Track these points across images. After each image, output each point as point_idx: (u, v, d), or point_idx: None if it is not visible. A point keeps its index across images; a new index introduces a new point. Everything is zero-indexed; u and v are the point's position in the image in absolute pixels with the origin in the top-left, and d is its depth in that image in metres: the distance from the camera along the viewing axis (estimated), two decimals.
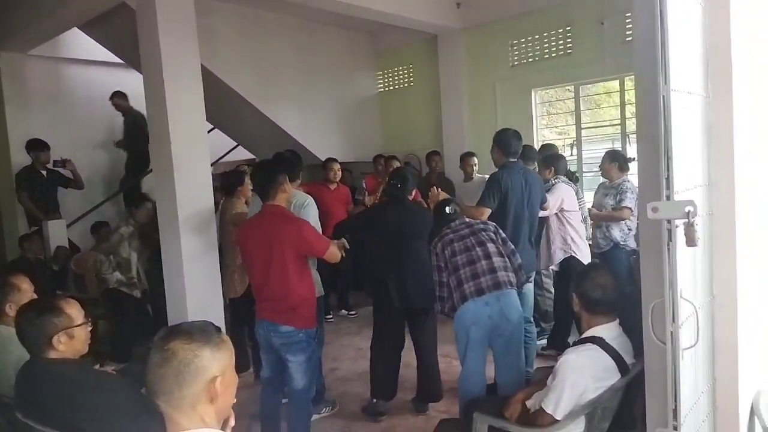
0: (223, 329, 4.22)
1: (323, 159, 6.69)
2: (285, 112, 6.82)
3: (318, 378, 3.69)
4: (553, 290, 4.92)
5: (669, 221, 1.67)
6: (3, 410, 2.22)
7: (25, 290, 2.72)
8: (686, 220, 1.61)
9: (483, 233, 3.30)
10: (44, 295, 2.65)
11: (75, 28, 5.97)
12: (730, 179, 2.00)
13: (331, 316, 6.07)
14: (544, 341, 4.78)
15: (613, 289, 2.26)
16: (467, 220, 3.46)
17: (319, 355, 3.54)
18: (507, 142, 3.91)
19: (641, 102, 1.73)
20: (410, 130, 7.73)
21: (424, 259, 3.52)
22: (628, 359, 2.17)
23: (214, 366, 1.32)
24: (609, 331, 2.18)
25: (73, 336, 2.14)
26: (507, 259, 3.27)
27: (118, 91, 6.83)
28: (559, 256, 4.48)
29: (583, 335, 2.23)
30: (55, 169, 6.15)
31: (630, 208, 4.43)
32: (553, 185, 4.54)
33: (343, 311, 6.28)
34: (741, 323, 2.05)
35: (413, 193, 3.89)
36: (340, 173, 6.09)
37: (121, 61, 6.56)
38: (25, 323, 2.11)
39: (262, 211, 3.19)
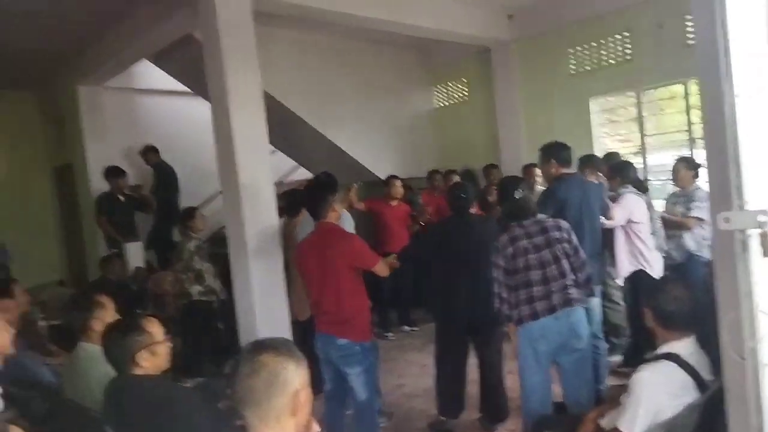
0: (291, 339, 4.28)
1: (380, 175, 6.81)
2: (342, 132, 7.00)
3: None
4: (622, 303, 4.75)
5: (742, 231, 1.62)
6: (92, 424, 2.37)
7: (109, 308, 2.90)
8: (760, 230, 1.56)
9: (559, 245, 3.09)
10: (126, 315, 2.81)
11: (146, 61, 6.37)
12: None
13: (392, 334, 6.09)
14: (617, 357, 4.59)
15: (689, 303, 2.16)
16: (539, 217, 3.19)
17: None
18: (558, 152, 3.84)
19: (707, 109, 1.68)
20: (466, 144, 7.72)
21: (486, 275, 3.43)
22: (707, 376, 2.08)
23: (297, 380, 1.39)
24: (685, 347, 2.10)
25: (155, 352, 2.26)
26: (578, 274, 3.13)
27: (149, 146, 6.90)
28: (627, 269, 4.31)
29: (658, 351, 2.15)
30: (132, 194, 6.53)
31: (699, 218, 4.24)
32: (620, 196, 4.33)
33: (405, 327, 6.29)
34: None
35: (474, 206, 3.89)
36: (402, 190, 6.14)
37: (188, 90, 6.91)
38: (111, 343, 2.25)
39: (316, 230, 3.37)
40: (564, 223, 3.20)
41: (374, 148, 7.35)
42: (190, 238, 5.10)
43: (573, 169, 4.06)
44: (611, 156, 5.25)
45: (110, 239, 6.40)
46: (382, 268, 3.33)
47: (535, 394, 3.11)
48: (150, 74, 7.07)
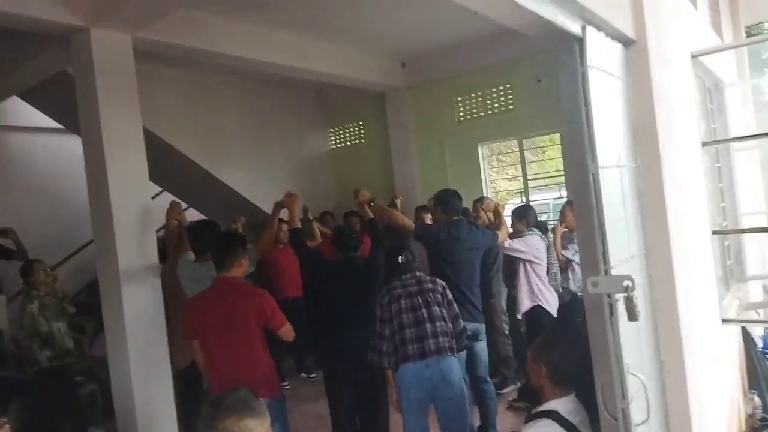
0: (173, 401, 3.96)
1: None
2: (234, 172, 6.77)
3: None
4: (509, 337, 5.00)
5: (609, 296, 1.69)
6: None
7: None
8: (626, 294, 1.63)
9: (431, 294, 3.31)
10: None
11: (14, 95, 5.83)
12: (666, 244, 2.05)
13: (287, 383, 5.86)
14: (510, 388, 4.90)
15: (579, 360, 2.20)
16: (418, 274, 3.43)
17: None
18: (448, 201, 4.03)
19: (572, 179, 1.77)
20: (362, 185, 7.64)
21: (372, 310, 3.48)
22: (585, 430, 2.13)
23: None
24: (565, 405, 2.13)
25: None
26: (450, 324, 3.30)
27: None
28: (526, 304, 4.54)
29: (540, 409, 2.18)
30: None
31: (568, 258, 4.61)
32: (526, 236, 4.61)
33: (302, 375, 6.08)
34: (690, 386, 2.06)
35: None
36: (288, 233, 5.99)
37: (62, 127, 6.39)
38: None
39: (216, 285, 3.15)
40: (440, 282, 3.42)
41: (269, 189, 7.13)
42: (31, 298, 4.63)
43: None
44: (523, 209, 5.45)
45: None
46: (288, 331, 3.17)
47: None
48: (18, 110, 6.47)
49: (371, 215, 4.05)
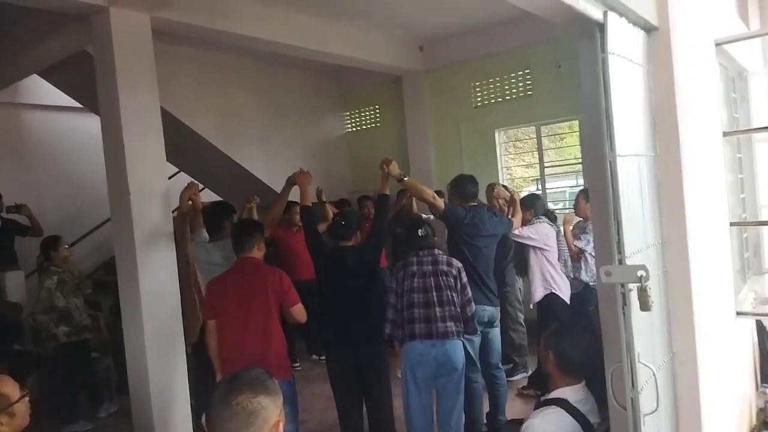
0: (187, 377, 4.00)
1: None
2: (250, 154, 6.80)
3: None
4: (524, 324, 5.04)
5: (623, 285, 1.67)
6: None
7: None
8: (639, 284, 1.61)
9: (444, 277, 3.33)
10: None
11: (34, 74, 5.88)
12: (683, 235, 2.02)
13: (298, 364, 5.92)
14: (520, 376, 4.92)
15: (591, 352, 2.20)
16: (436, 252, 3.45)
17: None
18: (464, 187, 4.04)
19: (589, 168, 1.75)
20: (378, 169, 7.72)
21: (369, 301, 3.48)
22: (594, 419, 2.14)
23: (275, 414, 1.46)
24: (574, 393, 2.14)
25: (14, 414, 2.03)
26: (460, 310, 3.33)
27: None
28: (540, 293, 4.53)
29: (549, 397, 2.19)
30: (10, 217, 5.93)
31: (580, 249, 4.60)
32: (535, 223, 4.59)
33: (313, 356, 6.14)
34: (702, 379, 2.05)
35: (357, 235, 3.75)
36: None
37: (81, 106, 6.46)
38: None
39: (239, 264, 3.30)
40: (456, 262, 3.44)
41: (285, 172, 7.10)
42: (50, 273, 4.70)
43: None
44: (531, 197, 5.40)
45: None
46: (299, 310, 3.26)
47: (417, 416, 3.35)
48: (37, 89, 6.54)
49: (386, 191, 3.91)
